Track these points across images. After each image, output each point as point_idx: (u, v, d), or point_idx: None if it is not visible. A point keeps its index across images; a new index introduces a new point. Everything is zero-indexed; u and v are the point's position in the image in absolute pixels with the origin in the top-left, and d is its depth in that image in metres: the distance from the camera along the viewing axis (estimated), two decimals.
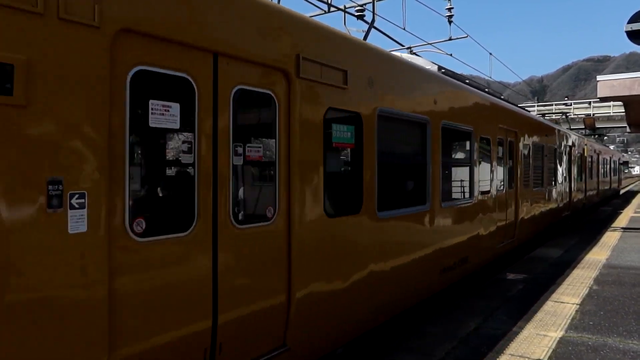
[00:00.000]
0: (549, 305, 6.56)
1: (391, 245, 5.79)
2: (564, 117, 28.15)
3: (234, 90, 3.80)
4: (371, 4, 10.65)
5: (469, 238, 8.09)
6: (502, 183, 9.96)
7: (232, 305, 3.76)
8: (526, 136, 11.70)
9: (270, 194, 4.17)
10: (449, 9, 14.09)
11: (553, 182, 14.58)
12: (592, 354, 4.89)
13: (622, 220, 17.30)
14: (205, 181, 3.55)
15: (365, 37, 8.75)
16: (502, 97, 11.25)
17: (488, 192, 9.07)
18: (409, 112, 6.25)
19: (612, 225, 15.64)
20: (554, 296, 7.04)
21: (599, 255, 10.37)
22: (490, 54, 19.60)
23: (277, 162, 4.19)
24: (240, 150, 3.88)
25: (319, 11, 11.11)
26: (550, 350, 4.94)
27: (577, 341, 5.24)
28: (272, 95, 4.15)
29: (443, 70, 8.18)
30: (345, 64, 5.00)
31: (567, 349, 5.01)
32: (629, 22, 11.21)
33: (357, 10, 11.46)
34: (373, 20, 9.74)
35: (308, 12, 10.82)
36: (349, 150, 5.26)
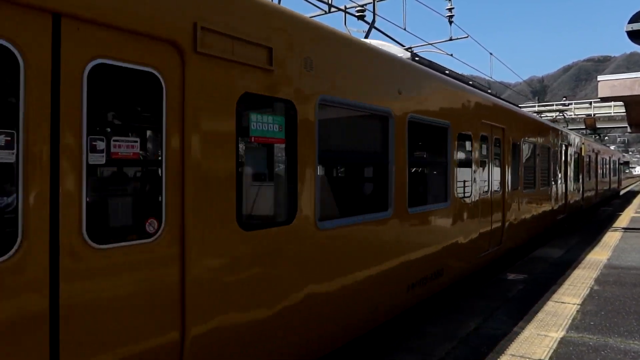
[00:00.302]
0: (549, 306, 6.55)
1: (339, 260, 4.89)
2: (560, 115, 27.26)
3: (91, 66, 2.87)
4: (372, 5, 10.67)
5: (445, 247, 7.15)
6: (487, 184, 9.02)
7: (83, 354, 2.85)
8: (516, 133, 10.78)
9: (154, 202, 3.26)
10: (450, 9, 14.10)
11: (547, 183, 13.71)
12: (593, 354, 4.89)
13: (623, 220, 17.29)
14: (39, 187, 2.65)
15: (366, 38, 8.76)
16: (489, 91, 10.46)
17: (469, 194, 8.12)
18: (364, 103, 5.30)
19: (613, 226, 15.63)
20: (555, 296, 7.03)
21: (599, 255, 10.36)
22: (491, 54, 19.62)
23: (165, 161, 3.26)
24: (101, 145, 2.95)
25: (319, 11, 11.12)
26: (551, 351, 4.93)
27: (578, 341, 5.23)
28: (156, 74, 3.22)
29: (417, 59, 7.37)
30: (271, 39, 4.05)
31: (568, 349, 5.00)
32: (629, 22, 11.20)
33: (358, 11, 11.48)
34: (373, 21, 9.75)
35: (308, 12, 10.83)
36: (277, 146, 4.37)
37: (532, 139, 12.25)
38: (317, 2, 10.19)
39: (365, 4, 11.35)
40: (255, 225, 3.98)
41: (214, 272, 3.57)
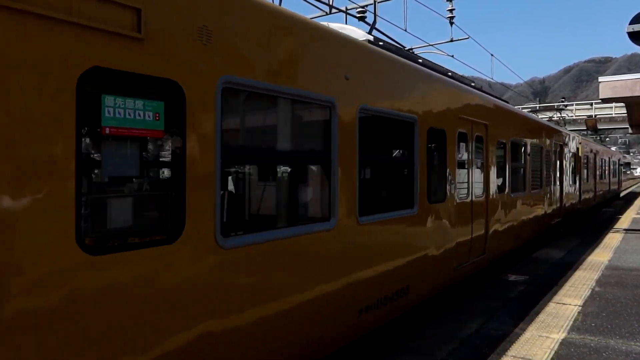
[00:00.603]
0: (550, 307, 6.55)
1: (255, 287, 3.86)
2: (558, 115, 26.05)
3: None
4: (372, 6, 10.68)
5: (411, 261, 6.15)
6: (466, 187, 8.04)
7: None
8: (502, 131, 9.68)
9: None
10: (451, 10, 14.11)
11: (539, 186, 12.74)
12: (595, 355, 4.88)
13: (624, 221, 17.27)
14: None
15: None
16: (472, 84, 9.41)
17: (442, 199, 7.06)
18: (294, 89, 4.28)
19: (614, 227, 15.62)
20: (556, 297, 7.02)
21: (601, 256, 10.35)
22: (492, 55, 19.61)
23: None
24: None
25: (320, 12, 11.13)
26: (553, 352, 4.93)
27: (580, 343, 5.22)
28: None
29: (381, 44, 6.36)
30: None
31: (569, 350, 4.99)
32: (630, 23, 11.21)
33: (359, 12, 11.48)
34: (374, 22, 9.75)
35: (309, 13, 10.85)
36: (153, 141, 3.39)
37: (522, 138, 11.27)
38: (318, 3, 10.21)
39: (366, 5, 11.36)
40: (110, 247, 2.98)
41: (31, 316, 2.56)
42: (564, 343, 5.19)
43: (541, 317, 6.12)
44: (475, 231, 8.19)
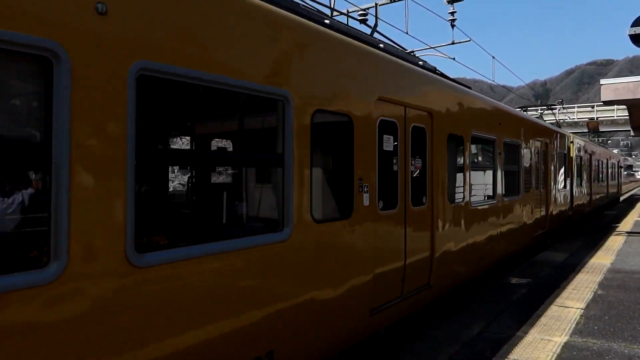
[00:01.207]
0: (553, 310, 6.53)
1: None
2: (549, 111, 24.15)
3: None
4: (374, 9, 10.71)
5: (275, 314, 4.00)
6: (394, 197, 5.85)
7: None
8: (455, 122, 7.39)
9: None
10: (452, 13, 14.13)
11: (516, 192, 10.51)
12: (597, 358, 4.87)
13: (627, 224, 17.25)
14: None
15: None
16: (420, 63, 7.43)
17: (347, 214, 4.92)
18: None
19: (617, 230, 15.60)
20: (558, 300, 7.01)
21: (603, 259, 10.33)
22: (493, 57, 19.61)
23: None
24: None
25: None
26: (555, 355, 4.92)
27: (582, 346, 5.21)
28: None
29: None
30: None
31: (571, 353, 4.98)
32: (632, 26, 11.22)
33: (360, 15, 11.50)
34: (376, 25, 9.76)
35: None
36: None
37: (490, 133, 8.96)
38: (320, 6, 10.23)
39: (368, 8, 11.38)
40: None
41: None
42: (566, 346, 5.18)
43: (543, 320, 6.10)
44: (412, 255, 6.09)
